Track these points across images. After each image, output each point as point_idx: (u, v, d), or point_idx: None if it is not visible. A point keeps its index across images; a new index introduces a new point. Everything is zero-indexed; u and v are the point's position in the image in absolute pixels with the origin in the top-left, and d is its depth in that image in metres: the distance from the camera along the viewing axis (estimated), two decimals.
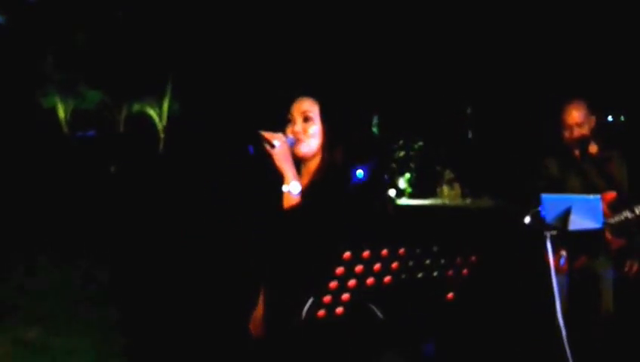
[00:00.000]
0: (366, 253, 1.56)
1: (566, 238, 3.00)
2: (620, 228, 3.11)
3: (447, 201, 15.46)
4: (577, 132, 3.24)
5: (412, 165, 16.15)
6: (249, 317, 2.25)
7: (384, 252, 1.57)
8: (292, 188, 1.98)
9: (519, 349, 3.80)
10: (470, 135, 17.30)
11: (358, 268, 1.57)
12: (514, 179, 4.01)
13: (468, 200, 15.28)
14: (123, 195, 10.92)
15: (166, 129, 13.15)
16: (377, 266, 1.58)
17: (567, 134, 3.29)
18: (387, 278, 1.61)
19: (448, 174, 16.59)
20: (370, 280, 1.59)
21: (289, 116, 2.11)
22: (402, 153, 15.88)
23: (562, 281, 3.20)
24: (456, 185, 16.30)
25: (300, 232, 1.94)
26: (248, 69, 8.05)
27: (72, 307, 5.00)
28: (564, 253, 3.20)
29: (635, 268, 3.30)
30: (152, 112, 13.38)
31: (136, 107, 13.23)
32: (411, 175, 16.12)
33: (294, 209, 1.97)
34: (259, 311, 2.21)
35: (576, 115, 3.24)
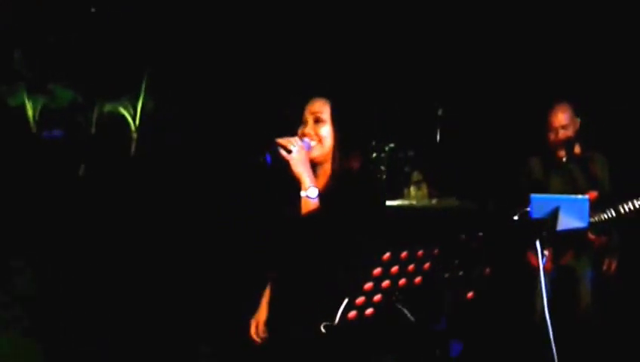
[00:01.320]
0: (404, 254, 1.57)
1: (551, 238, 3.08)
2: (601, 227, 3.22)
3: (414, 202, 15.68)
4: (563, 134, 3.34)
5: (382, 167, 16.32)
6: (250, 321, 2.23)
7: (420, 253, 1.58)
8: (310, 193, 1.96)
9: (503, 346, 3.87)
10: (439, 137, 17.58)
11: (394, 268, 1.58)
12: (499, 179, 4.10)
13: (434, 201, 15.52)
14: (91, 197, 10.71)
15: (139, 129, 12.93)
16: (411, 267, 1.60)
17: (552, 136, 3.39)
18: (418, 279, 1.62)
19: (416, 176, 16.83)
20: (402, 281, 1.60)
21: (301, 118, 2.09)
22: (374, 155, 16.05)
23: (545, 280, 3.29)
24: (424, 186, 16.55)
25: (321, 237, 1.93)
26: (228, 68, 7.98)
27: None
28: (546, 252, 3.29)
29: (613, 266, 3.42)
30: (124, 112, 13.13)
31: (108, 107, 12.96)
32: (381, 176, 16.28)
33: (313, 214, 1.95)
34: (261, 314, 2.20)
35: (561, 118, 3.35)
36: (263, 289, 2.21)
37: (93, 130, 12.71)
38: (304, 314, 1.96)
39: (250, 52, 7.90)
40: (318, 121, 2.05)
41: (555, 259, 3.26)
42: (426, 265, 1.62)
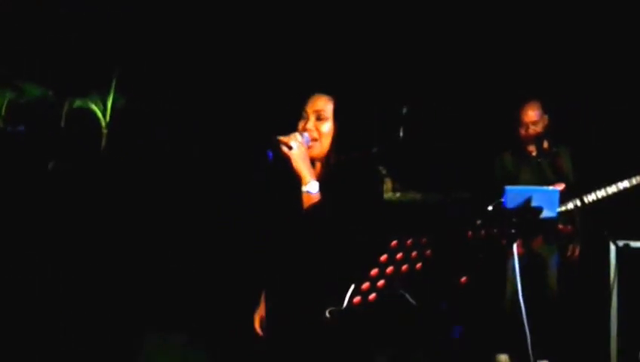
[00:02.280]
0: (409, 241, 1.63)
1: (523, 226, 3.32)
2: (567, 217, 3.50)
3: None
4: (532, 130, 3.61)
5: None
6: (253, 316, 2.24)
7: (424, 240, 1.65)
8: (311, 188, 1.98)
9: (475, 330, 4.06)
10: (401, 134, 17.94)
11: (399, 255, 1.63)
12: (463, 174, 4.36)
13: (398, 195, 15.89)
14: (61, 192, 10.60)
15: (109, 125, 12.81)
16: (414, 253, 1.65)
17: (522, 131, 3.66)
18: (419, 264, 1.68)
19: (380, 170, 17.18)
20: (404, 267, 1.65)
21: (302, 112, 2.10)
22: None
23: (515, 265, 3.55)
24: (388, 181, 16.93)
25: (324, 230, 1.95)
26: (202, 63, 8.02)
27: None
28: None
29: (576, 251, 3.72)
30: (95, 108, 13.03)
31: (78, 102, 12.82)
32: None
33: (315, 208, 1.97)
34: (263, 309, 2.20)
35: (532, 114, 3.61)
36: (264, 285, 2.21)
37: (62, 125, 12.55)
38: (307, 307, 1.97)
39: (225, 47, 7.99)
40: (320, 117, 2.07)
41: (525, 245, 3.52)
42: (428, 251, 1.69)
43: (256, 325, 2.23)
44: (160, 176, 8.43)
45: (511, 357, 3.75)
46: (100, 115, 13.02)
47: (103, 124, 12.96)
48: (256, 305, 2.24)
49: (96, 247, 6.58)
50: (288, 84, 6.05)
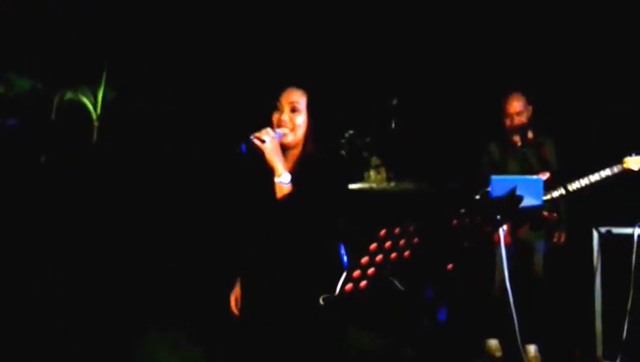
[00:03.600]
0: (397, 230, 1.71)
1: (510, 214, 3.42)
2: (552, 204, 3.60)
3: (374, 185, 16.13)
4: (517, 120, 3.70)
5: (343, 152, 16.67)
6: (228, 299, 2.34)
7: (411, 229, 1.74)
8: (283, 179, 2.10)
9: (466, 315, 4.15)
10: (393, 125, 18.05)
11: (388, 243, 1.71)
12: (454, 163, 4.45)
13: (392, 184, 16.02)
14: (53, 186, 10.58)
15: (101, 118, 12.77)
16: (402, 241, 1.73)
17: (507, 122, 3.74)
18: (407, 252, 1.76)
19: (375, 160, 17.30)
20: (393, 255, 1.74)
21: (277, 104, 2.21)
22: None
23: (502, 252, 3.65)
24: (382, 170, 17.06)
25: (296, 218, 2.07)
26: (192, 57, 8.02)
27: None
28: (505, 227, 3.65)
29: (562, 238, 3.82)
30: (85, 101, 12.94)
31: (69, 95, 12.72)
32: (345, 158, 16.61)
33: (287, 197, 2.09)
34: (238, 291, 2.32)
35: (516, 105, 3.70)
36: (238, 269, 2.32)
37: (53, 118, 12.47)
38: (283, 293, 2.10)
39: (213, 42, 8.01)
40: (294, 110, 2.19)
41: (512, 232, 3.62)
42: (415, 239, 1.77)
43: (232, 305, 2.35)
44: (152, 169, 8.46)
45: (500, 342, 3.85)
46: (90, 108, 12.96)
47: (94, 117, 12.90)
48: (231, 287, 2.37)
49: (87, 241, 6.63)
50: (264, 78, 6.10)
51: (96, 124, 13.20)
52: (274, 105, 2.22)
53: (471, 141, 4.10)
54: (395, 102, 15.23)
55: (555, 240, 3.81)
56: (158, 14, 8.57)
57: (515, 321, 2.99)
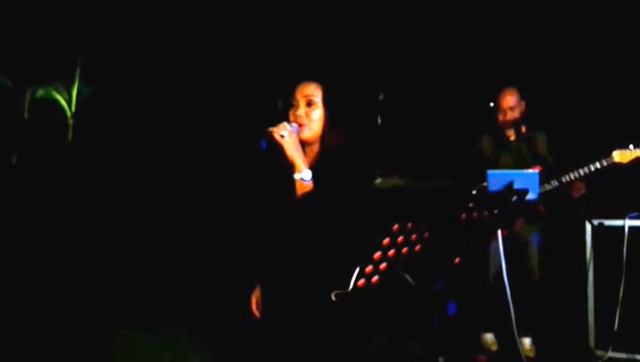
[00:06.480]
0: (409, 225, 1.67)
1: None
2: (546, 197, 3.63)
3: None
4: (510, 115, 3.73)
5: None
6: (250, 299, 2.28)
7: (422, 224, 1.70)
8: (304, 176, 2.02)
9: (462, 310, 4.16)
10: (379, 121, 18.12)
11: (400, 238, 1.67)
12: (442, 159, 4.46)
13: (379, 180, 16.08)
14: (25, 187, 10.31)
15: (75, 115, 12.40)
16: (414, 236, 1.70)
17: (501, 117, 3.77)
18: (418, 247, 1.73)
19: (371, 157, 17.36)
20: (405, 250, 1.70)
21: (292, 100, 2.12)
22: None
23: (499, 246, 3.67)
24: None
25: (317, 216, 1.99)
26: (170, 51, 7.82)
27: None
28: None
29: (582, 189, 3.59)
30: (59, 97, 12.58)
31: (41, 92, 12.33)
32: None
33: (308, 195, 2.01)
34: (257, 292, 2.25)
35: (509, 100, 3.73)
36: (258, 270, 2.26)
37: (25, 116, 12.09)
38: (302, 291, 2.03)
39: (195, 33, 7.84)
40: (310, 104, 2.11)
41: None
42: (426, 234, 1.73)
43: (253, 307, 2.28)
44: (131, 168, 8.29)
45: (496, 336, 3.88)
46: (64, 104, 12.63)
47: (69, 114, 12.56)
48: (252, 289, 2.30)
49: (63, 242, 6.48)
50: (267, 72, 6.03)
51: (70, 122, 12.77)
52: (289, 102, 2.13)
53: (460, 136, 4.11)
54: (381, 96, 15.26)
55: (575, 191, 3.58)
56: (133, 4, 8.35)
57: (512, 315, 3.02)
